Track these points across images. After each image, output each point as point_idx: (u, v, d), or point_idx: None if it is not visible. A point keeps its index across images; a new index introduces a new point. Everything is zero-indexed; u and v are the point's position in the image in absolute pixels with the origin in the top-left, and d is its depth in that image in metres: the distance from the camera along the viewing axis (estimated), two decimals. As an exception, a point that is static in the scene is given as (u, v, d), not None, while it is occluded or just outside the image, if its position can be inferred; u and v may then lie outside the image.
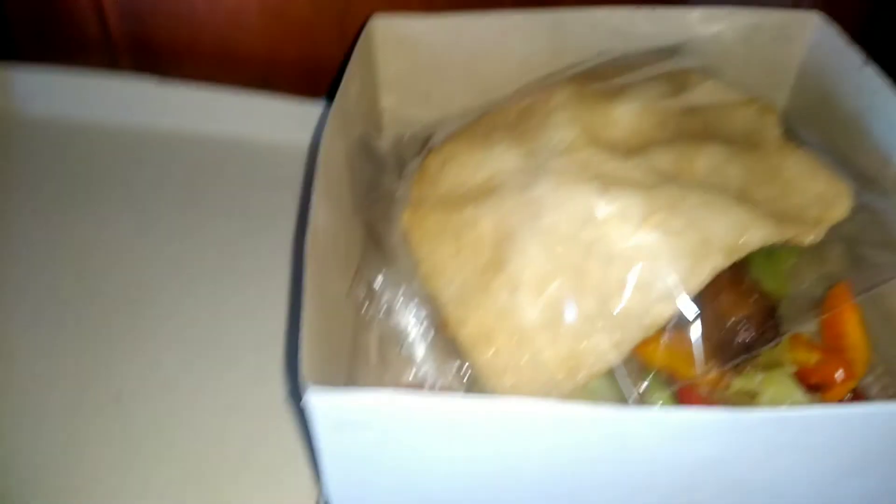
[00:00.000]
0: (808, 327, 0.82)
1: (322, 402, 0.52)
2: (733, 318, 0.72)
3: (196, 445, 0.74)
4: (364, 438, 0.55)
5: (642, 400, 0.73)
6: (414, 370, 0.78)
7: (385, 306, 0.77)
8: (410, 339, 0.77)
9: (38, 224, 0.93)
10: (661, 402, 0.72)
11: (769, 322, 0.72)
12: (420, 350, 0.78)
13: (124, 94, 1.04)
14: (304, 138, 1.03)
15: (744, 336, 0.71)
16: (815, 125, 0.93)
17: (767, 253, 0.88)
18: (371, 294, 0.77)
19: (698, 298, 0.75)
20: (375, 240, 0.88)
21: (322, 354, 0.60)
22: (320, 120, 1.02)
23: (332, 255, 0.71)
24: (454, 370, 0.79)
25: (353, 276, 0.78)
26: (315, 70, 1.07)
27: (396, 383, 0.79)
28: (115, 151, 1.04)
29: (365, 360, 0.78)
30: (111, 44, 1.06)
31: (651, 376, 0.73)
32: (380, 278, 0.78)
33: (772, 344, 0.72)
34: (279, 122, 1.04)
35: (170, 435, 0.75)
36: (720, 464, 0.57)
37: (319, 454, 0.57)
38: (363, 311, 0.76)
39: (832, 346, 0.79)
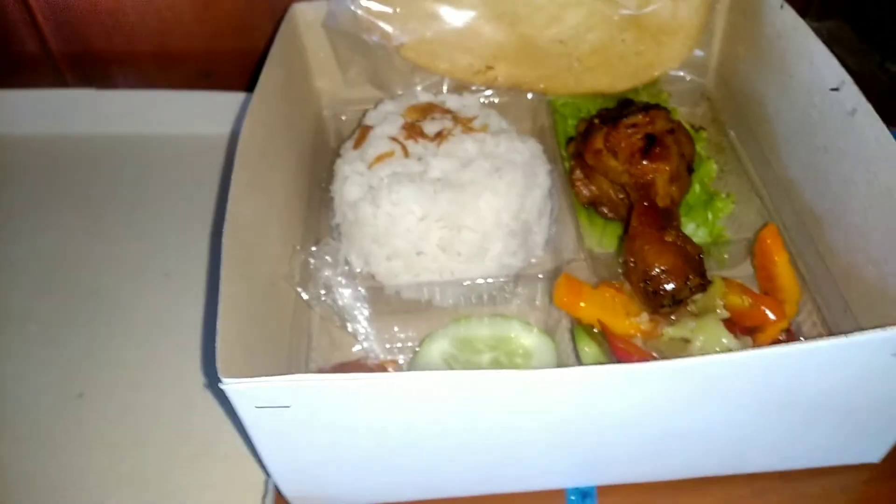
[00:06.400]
0: (745, 270, 0.84)
1: (238, 390, 0.54)
2: (657, 269, 0.73)
3: (155, 437, 0.77)
4: (285, 418, 0.57)
5: (577, 355, 0.75)
6: (358, 346, 0.81)
7: (324, 285, 0.79)
8: (351, 315, 0.80)
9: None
10: (591, 354, 0.74)
11: (694, 271, 0.73)
12: (361, 326, 0.80)
13: (65, 106, 1.07)
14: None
15: (669, 286, 0.73)
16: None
17: (707, 201, 0.90)
18: (308, 274, 0.79)
19: (625, 252, 0.78)
20: (315, 227, 0.90)
21: (243, 342, 0.62)
22: (241, 109, 1.03)
23: (262, 240, 0.73)
24: (395, 341, 0.82)
25: (291, 257, 0.79)
26: (255, 59, 1.07)
27: (345, 359, 0.81)
28: (60, 160, 1.06)
29: (308, 339, 0.80)
30: (52, 58, 1.08)
31: (581, 329, 0.75)
32: (316, 258, 0.80)
33: (698, 293, 0.74)
34: (211, 115, 1.06)
35: (130, 427, 0.78)
36: (646, 414, 0.59)
37: (249, 436, 0.59)
38: (302, 292, 0.79)
39: (766, 288, 0.80)
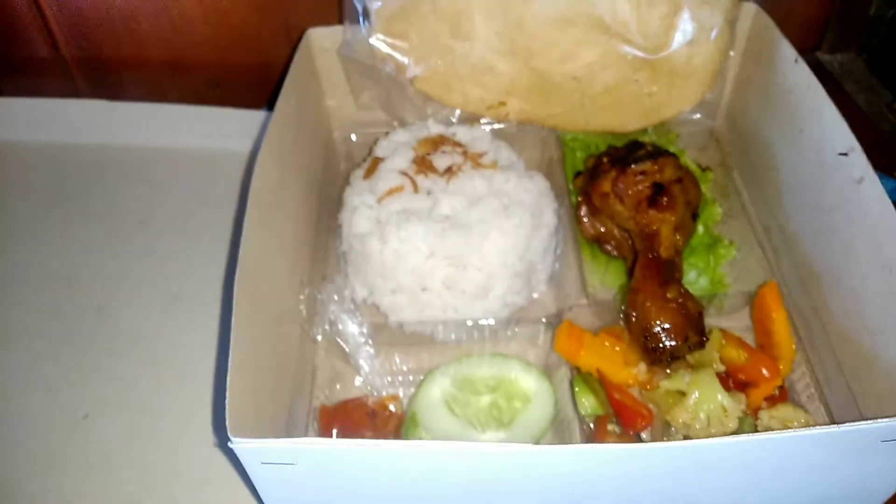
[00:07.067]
0: (742, 320, 0.85)
1: (246, 448, 0.56)
2: (657, 327, 0.74)
3: (158, 462, 0.79)
4: (291, 473, 0.59)
5: (574, 405, 0.76)
6: (361, 380, 0.82)
7: (329, 321, 0.81)
8: (354, 352, 0.81)
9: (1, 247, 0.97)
10: (588, 407, 0.76)
11: (693, 330, 0.75)
12: (364, 360, 0.81)
13: (76, 117, 1.06)
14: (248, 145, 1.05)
15: (668, 343, 0.74)
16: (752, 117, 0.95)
17: (710, 245, 0.91)
18: (314, 310, 0.81)
19: (627, 305, 0.79)
20: (322, 253, 0.91)
21: (252, 392, 0.63)
22: (261, 128, 1.03)
23: (271, 278, 0.74)
24: (397, 374, 0.84)
25: (298, 292, 0.81)
26: (265, 72, 1.08)
27: (348, 393, 0.83)
28: (69, 170, 1.06)
29: (312, 373, 0.82)
30: (63, 62, 1.08)
31: (580, 380, 0.77)
32: (322, 293, 0.82)
33: (696, 350, 0.75)
34: (225, 131, 1.06)
35: (134, 451, 0.79)
36: (637, 482, 0.61)
37: (255, 485, 0.61)
38: (307, 327, 0.80)
39: (762, 342, 0.82)
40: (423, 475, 0.60)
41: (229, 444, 0.56)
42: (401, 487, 0.62)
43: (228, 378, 0.59)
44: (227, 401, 0.57)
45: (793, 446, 0.58)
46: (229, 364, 0.60)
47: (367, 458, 0.57)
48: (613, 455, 0.57)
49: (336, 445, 0.57)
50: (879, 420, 0.56)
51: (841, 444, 0.58)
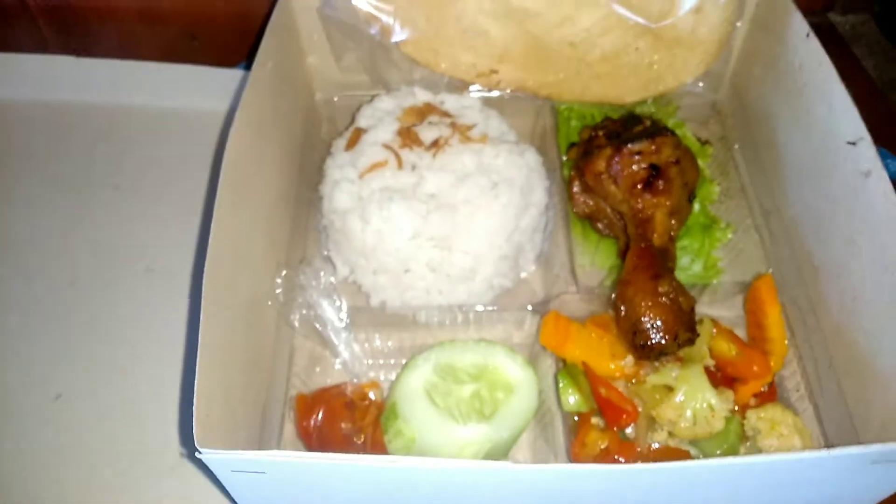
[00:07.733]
0: (735, 309, 0.83)
1: (214, 458, 0.54)
2: (647, 324, 0.72)
3: (133, 444, 0.77)
4: (262, 479, 0.57)
5: (558, 398, 0.74)
6: (339, 362, 0.80)
7: (307, 304, 0.78)
8: (333, 336, 0.78)
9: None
10: (573, 405, 0.74)
11: (684, 327, 0.72)
12: (344, 346, 0.79)
13: (44, 73, 0.99)
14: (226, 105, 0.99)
15: (656, 340, 0.71)
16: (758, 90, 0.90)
17: (706, 226, 0.88)
18: (292, 295, 0.77)
19: (616, 297, 0.76)
20: (302, 228, 0.87)
21: (222, 393, 0.61)
22: (238, 88, 0.97)
23: (245, 261, 0.70)
24: (378, 357, 0.81)
25: (275, 275, 0.77)
26: (245, 23, 1.01)
27: (327, 378, 0.81)
28: (37, 129, 1.00)
29: (290, 359, 0.79)
30: (29, 11, 1.00)
31: (565, 374, 0.75)
32: (301, 275, 0.78)
33: (685, 346, 0.73)
34: (202, 90, 0.99)
35: (108, 433, 0.77)
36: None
37: (227, 489, 0.59)
38: (285, 313, 0.77)
39: (753, 335, 0.79)
40: (394, 487, 0.58)
41: (197, 454, 0.54)
42: (372, 497, 0.60)
43: (196, 384, 0.56)
44: (194, 410, 0.55)
45: (782, 469, 0.56)
46: (197, 369, 0.57)
47: (336, 471, 0.55)
48: (597, 475, 0.55)
49: (304, 459, 0.55)
50: (872, 445, 0.54)
51: (831, 467, 0.57)
